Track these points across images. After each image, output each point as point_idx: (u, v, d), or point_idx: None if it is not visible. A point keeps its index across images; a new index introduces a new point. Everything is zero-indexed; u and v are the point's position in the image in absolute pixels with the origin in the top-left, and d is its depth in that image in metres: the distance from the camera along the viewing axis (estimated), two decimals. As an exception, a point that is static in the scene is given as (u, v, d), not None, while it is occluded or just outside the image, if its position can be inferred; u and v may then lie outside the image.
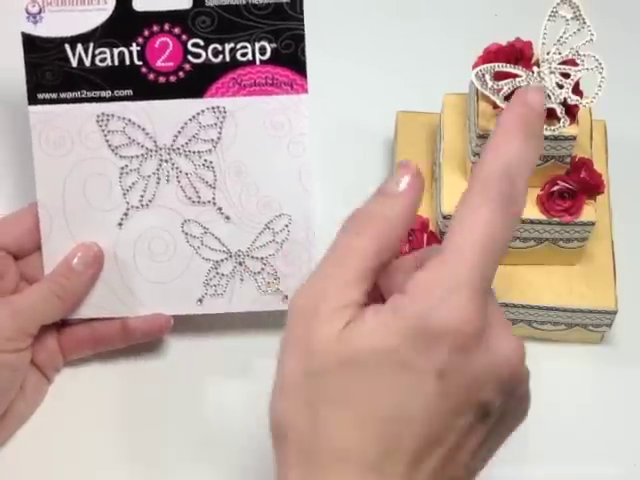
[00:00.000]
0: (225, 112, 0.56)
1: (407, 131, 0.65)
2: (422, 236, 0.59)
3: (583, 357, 0.61)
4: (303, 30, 0.55)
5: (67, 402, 0.59)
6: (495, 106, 0.55)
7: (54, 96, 0.55)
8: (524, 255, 0.59)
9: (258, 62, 0.55)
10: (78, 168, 0.56)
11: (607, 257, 0.60)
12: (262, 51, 0.55)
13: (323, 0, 0.56)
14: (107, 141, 0.56)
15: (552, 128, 0.54)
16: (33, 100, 0.55)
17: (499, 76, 0.54)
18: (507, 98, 0.54)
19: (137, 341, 0.58)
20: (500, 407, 0.41)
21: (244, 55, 0.55)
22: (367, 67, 0.71)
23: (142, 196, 0.56)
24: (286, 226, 0.57)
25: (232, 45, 0.55)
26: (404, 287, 0.40)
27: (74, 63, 0.55)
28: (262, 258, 0.57)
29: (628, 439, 0.59)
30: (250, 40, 0.55)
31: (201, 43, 0.55)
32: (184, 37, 0.55)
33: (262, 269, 0.57)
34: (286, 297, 0.57)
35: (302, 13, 0.55)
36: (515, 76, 0.54)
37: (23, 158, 0.60)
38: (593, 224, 0.57)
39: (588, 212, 0.57)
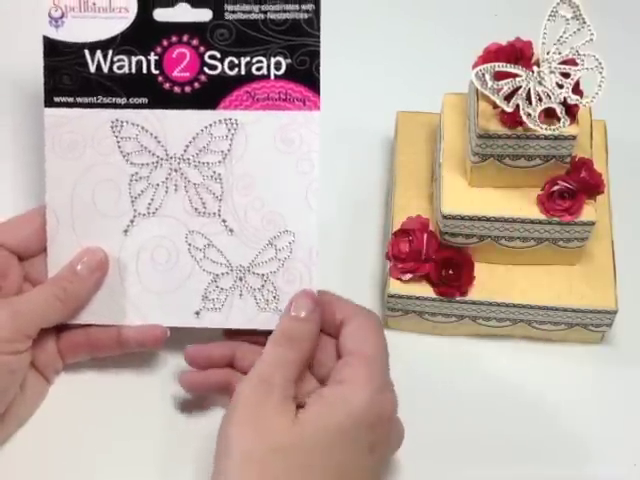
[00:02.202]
0: (237, 124, 0.55)
1: (407, 131, 0.65)
2: (422, 236, 0.59)
3: (583, 357, 0.61)
4: (319, 47, 0.55)
5: (66, 404, 0.58)
6: (495, 106, 0.54)
7: (70, 100, 0.56)
8: (524, 255, 0.59)
9: (273, 77, 0.55)
10: (89, 173, 0.56)
11: (607, 257, 0.60)
12: (277, 66, 0.55)
13: (322, 0, 0.55)
14: (119, 147, 0.56)
15: (552, 128, 0.53)
16: (49, 103, 0.56)
17: (499, 76, 0.54)
18: (507, 98, 0.53)
19: (132, 350, 0.57)
20: None
21: (259, 69, 0.55)
22: (367, 67, 0.71)
23: (150, 204, 0.56)
24: (289, 243, 0.56)
25: (248, 59, 0.55)
26: (343, 377, 0.51)
27: (92, 69, 0.56)
28: (263, 275, 0.56)
29: (628, 439, 0.58)
30: (266, 55, 0.55)
31: (218, 55, 0.55)
32: (202, 49, 0.55)
33: (262, 286, 0.56)
34: (285, 317, 0.57)
35: (319, 30, 0.55)
36: (515, 76, 0.54)
37: (35, 159, 0.61)
38: (593, 224, 0.57)
39: (588, 212, 0.57)
